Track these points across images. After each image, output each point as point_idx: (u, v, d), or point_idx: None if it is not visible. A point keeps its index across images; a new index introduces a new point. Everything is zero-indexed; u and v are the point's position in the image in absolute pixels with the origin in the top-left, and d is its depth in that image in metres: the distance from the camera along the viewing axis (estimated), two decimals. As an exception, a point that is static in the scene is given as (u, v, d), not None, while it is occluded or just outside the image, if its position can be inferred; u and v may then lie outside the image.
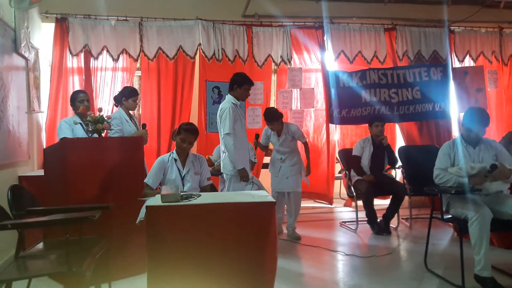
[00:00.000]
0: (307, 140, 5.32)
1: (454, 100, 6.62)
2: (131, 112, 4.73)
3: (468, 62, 6.93)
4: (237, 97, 4.30)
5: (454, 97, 6.62)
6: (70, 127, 4.23)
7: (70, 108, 4.83)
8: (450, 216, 3.69)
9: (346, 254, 4.27)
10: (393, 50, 6.65)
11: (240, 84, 4.28)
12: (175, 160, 3.73)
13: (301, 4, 6.46)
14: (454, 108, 6.65)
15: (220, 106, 4.27)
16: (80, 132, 4.22)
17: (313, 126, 6.66)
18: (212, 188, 3.98)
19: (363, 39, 6.52)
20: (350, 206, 6.65)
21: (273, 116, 5.00)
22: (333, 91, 6.27)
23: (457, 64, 6.82)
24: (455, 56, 6.83)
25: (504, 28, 7.00)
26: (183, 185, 3.67)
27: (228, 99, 4.29)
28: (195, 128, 3.77)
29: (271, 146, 5.32)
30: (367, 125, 5.70)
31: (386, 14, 6.64)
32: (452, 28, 6.81)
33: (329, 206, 6.64)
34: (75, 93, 4.51)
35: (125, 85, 5.70)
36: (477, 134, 3.67)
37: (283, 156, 5.09)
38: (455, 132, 6.73)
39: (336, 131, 6.60)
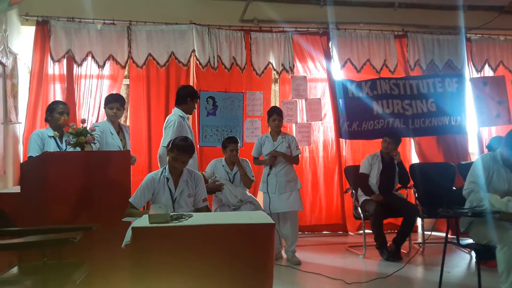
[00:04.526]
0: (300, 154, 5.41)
1: (472, 113, 6.66)
2: (121, 123, 4.76)
3: (487, 72, 6.97)
4: (187, 110, 4.58)
5: (472, 110, 6.66)
6: (42, 142, 4.24)
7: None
8: (467, 241, 3.69)
9: (348, 283, 4.23)
10: (404, 59, 6.70)
11: (193, 97, 4.58)
12: (167, 179, 3.70)
13: (304, 9, 6.52)
14: (473, 122, 6.69)
15: (167, 118, 4.55)
16: (52, 147, 4.22)
17: (322, 143, 6.57)
18: (207, 210, 3.96)
19: (372, 47, 6.58)
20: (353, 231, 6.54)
21: (281, 110, 5.28)
22: (341, 102, 6.29)
23: (474, 74, 6.87)
24: (472, 65, 6.88)
25: (524, 36, 7.07)
26: (174, 209, 3.61)
27: (176, 112, 4.54)
28: (190, 145, 3.69)
29: None
30: (380, 140, 5.68)
31: (396, 20, 6.70)
32: (468, 35, 6.86)
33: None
34: (54, 103, 4.53)
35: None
36: None
37: (276, 169, 5.08)
38: (472, 149, 6.74)
39: (346, 146, 6.58)
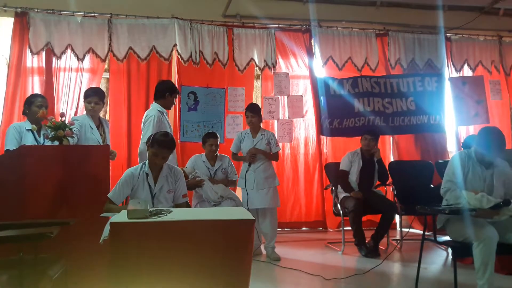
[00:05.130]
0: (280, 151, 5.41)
1: (451, 112, 6.75)
2: (102, 117, 4.71)
3: (466, 72, 7.08)
4: (165, 105, 4.56)
5: (451, 109, 6.75)
6: (19, 135, 4.18)
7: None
8: (444, 238, 3.74)
9: (327, 279, 4.26)
10: (385, 57, 6.77)
11: (172, 92, 4.57)
12: (147, 175, 3.67)
13: (287, 5, 6.54)
14: (452, 121, 6.78)
15: (146, 113, 4.51)
16: (30, 140, 4.17)
17: (303, 139, 6.60)
18: (187, 206, 3.94)
19: (353, 45, 6.63)
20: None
21: (257, 107, 5.24)
22: (322, 99, 6.32)
23: (454, 74, 6.97)
24: (451, 65, 6.99)
25: (503, 36, 7.19)
26: (153, 205, 3.57)
27: (154, 107, 4.52)
28: (170, 140, 3.66)
29: None
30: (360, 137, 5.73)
31: (378, 18, 6.77)
32: (448, 35, 6.96)
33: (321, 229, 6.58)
34: (33, 97, 4.46)
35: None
36: (490, 160, 3.74)
37: (255, 165, 5.09)
38: (450, 148, 6.84)
39: (327, 143, 6.63)
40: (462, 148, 5.12)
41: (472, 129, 6.93)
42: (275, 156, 5.23)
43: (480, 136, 3.78)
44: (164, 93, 4.53)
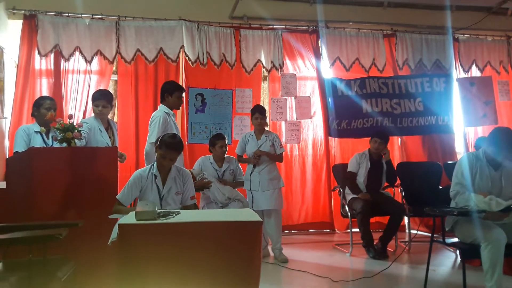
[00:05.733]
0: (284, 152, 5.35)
1: (459, 113, 6.71)
2: (110, 119, 4.73)
3: (474, 72, 7.04)
4: (170, 106, 4.56)
5: (459, 110, 6.71)
6: (28, 137, 4.20)
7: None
8: (452, 239, 3.72)
9: (334, 281, 4.24)
10: (393, 58, 6.74)
11: (171, 92, 4.54)
12: (155, 176, 3.67)
13: (294, 6, 6.53)
14: (460, 122, 6.74)
15: (152, 114, 4.52)
16: (38, 142, 4.19)
17: (311, 141, 6.59)
18: (195, 208, 3.94)
19: (361, 46, 6.61)
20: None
21: (263, 109, 5.21)
22: (330, 100, 6.30)
23: (462, 74, 6.93)
24: (459, 65, 6.95)
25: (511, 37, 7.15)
26: (161, 207, 3.58)
27: (161, 108, 4.54)
28: (178, 142, 3.65)
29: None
30: (368, 138, 5.68)
31: (385, 19, 6.75)
32: (456, 35, 6.93)
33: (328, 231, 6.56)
34: (41, 99, 4.49)
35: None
36: (500, 160, 3.71)
37: (259, 167, 5.09)
38: (459, 149, 6.80)
39: (335, 144, 6.61)
40: (474, 149, 5.08)
41: (480, 130, 6.88)
42: (279, 158, 5.22)
43: (491, 136, 3.76)
44: (163, 94, 4.55)
